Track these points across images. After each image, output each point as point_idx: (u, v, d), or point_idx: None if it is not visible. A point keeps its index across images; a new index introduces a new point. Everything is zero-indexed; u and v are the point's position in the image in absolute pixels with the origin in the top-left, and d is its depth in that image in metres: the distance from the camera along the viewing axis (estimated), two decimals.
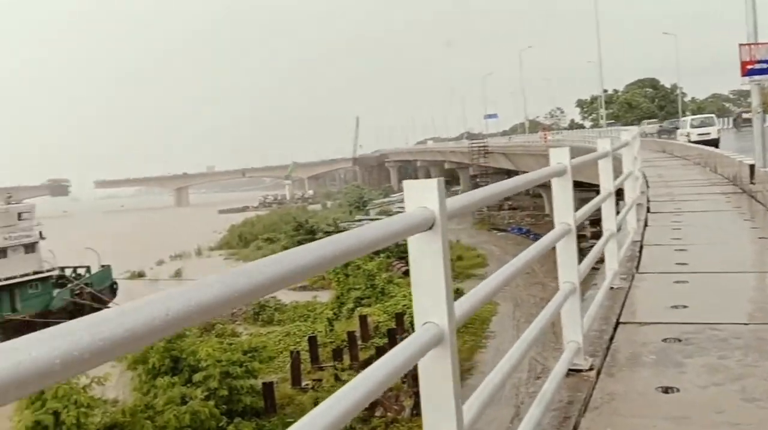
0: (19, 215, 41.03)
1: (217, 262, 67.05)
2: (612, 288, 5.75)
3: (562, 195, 3.89)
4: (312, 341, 28.48)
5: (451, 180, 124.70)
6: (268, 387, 22.48)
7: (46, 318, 39.32)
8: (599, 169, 5.87)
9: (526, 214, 68.91)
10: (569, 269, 3.84)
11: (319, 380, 24.31)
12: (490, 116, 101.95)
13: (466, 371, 26.92)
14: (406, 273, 45.01)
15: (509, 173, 79.94)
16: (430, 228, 1.98)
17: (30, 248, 40.65)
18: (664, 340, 4.50)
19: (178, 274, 57.97)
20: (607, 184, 5.84)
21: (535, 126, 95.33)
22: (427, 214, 1.97)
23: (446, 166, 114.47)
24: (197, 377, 20.90)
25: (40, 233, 41.40)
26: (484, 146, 73.64)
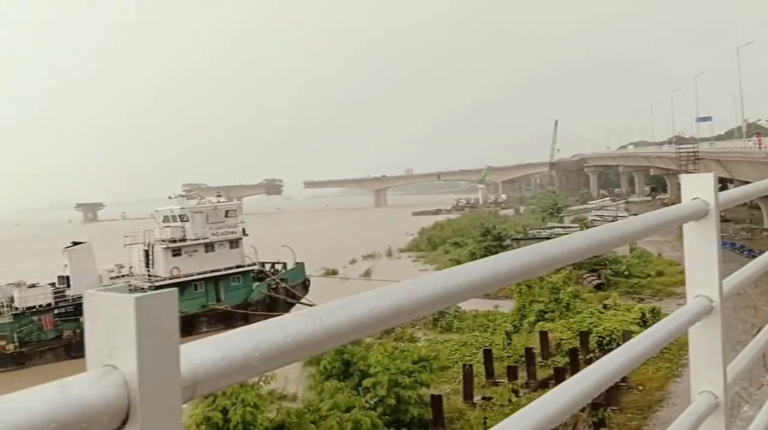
0: (226, 212, 44.46)
1: (405, 263, 68.17)
2: None
3: (698, 250, 2.82)
4: (487, 354, 27.46)
5: (657, 187, 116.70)
6: (437, 400, 21.93)
7: (245, 309, 42.33)
8: None
9: (742, 227, 62.21)
10: (707, 374, 2.68)
11: (489, 398, 23.24)
12: (702, 119, 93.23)
13: (656, 402, 24.46)
14: (598, 287, 42.55)
15: (722, 182, 72.70)
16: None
17: (234, 243, 43.91)
18: None
19: (367, 274, 59.59)
20: None
21: (755, 130, 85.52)
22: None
23: (652, 172, 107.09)
24: (366, 382, 20.91)
25: (243, 230, 44.52)
26: (693, 152, 67.47)
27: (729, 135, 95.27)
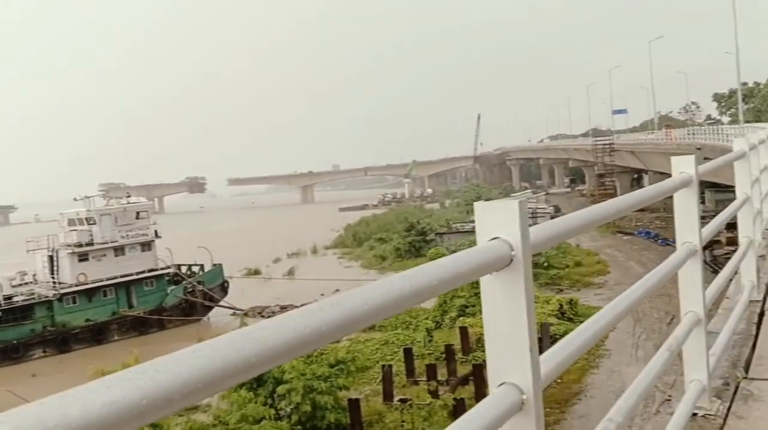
0: (137, 214, 42.47)
1: (330, 260, 67.36)
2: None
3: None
4: (407, 352, 27.03)
5: (576, 178, 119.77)
6: (354, 403, 21.26)
7: (159, 315, 40.57)
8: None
9: (656, 216, 64.14)
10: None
11: (406, 400, 22.69)
12: (618, 112, 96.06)
13: (574, 395, 24.52)
14: None
15: (637, 172, 74.92)
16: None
17: (146, 246, 41.99)
18: None
19: (291, 272, 58.47)
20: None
21: (667, 121, 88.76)
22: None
23: (570, 164, 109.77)
24: (280, 390, 20.05)
25: (156, 232, 42.65)
26: (609, 144, 69.25)
27: (644, 127, 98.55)
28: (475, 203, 1.76)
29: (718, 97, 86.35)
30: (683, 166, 3.53)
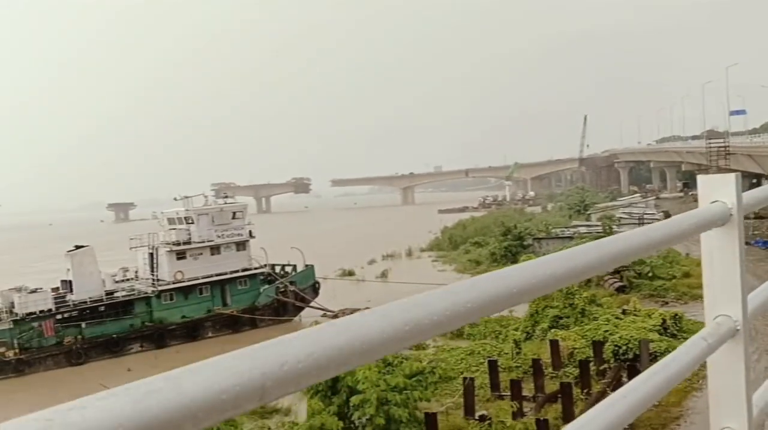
0: (234, 214, 43.32)
1: (424, 263, 66.61)
2: None
3: None
4: (492, 365, 25.79)
5: (690, 183, 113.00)
6: (431, 418, 20.37)
7: (252, 313, 41.20)
8: None
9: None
10: None
11: (484, 418, 21.52)
12: (736, 113, 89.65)
13: (673, 420, 22.57)
14: (619, 290, 40.45)
15: (756, 177, 69.44)
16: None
17: (241, 245, 42.74)
18: None
19: (384, 275, 58.23)
20: None
21: None
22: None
23: (683, 167, 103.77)
24: (354, 400, 19.47)
25: (250, 232, 43.32)
26: (723, 146, 64.61)
27: (764, 129, 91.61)
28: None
29: None
30: (717, 192, 2.29)
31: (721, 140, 69.42)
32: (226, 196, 44.67)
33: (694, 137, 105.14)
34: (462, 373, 27.52)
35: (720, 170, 61.92)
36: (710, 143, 68.39)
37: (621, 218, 65.81)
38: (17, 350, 33.90)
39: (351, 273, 60.63)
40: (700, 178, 2.15)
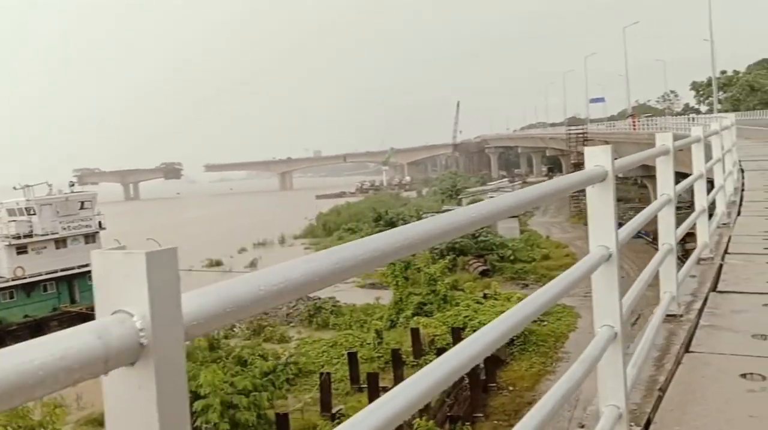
0: (82, 204, 40.09)
1: (297, 251, 65.25)
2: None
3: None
4: (352, 357, 25.15)
5: (554, 167, 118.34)
6: (282, 419, 19.38)
7: None
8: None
9: (630, 206, 62.81)
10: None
11: (336, 416, 20.78)
12: (595, 100, 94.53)
13: (527, 405, 22.78)
14: (483, 274, 41.08)
15: None
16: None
17: (90, 237, 39.65)
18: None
19: (252, 264, 56.38)
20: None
21: (646, 110, 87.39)
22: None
23: (548, 153, 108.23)
24: (197, 405, 18.09)
25: (100, 223, 40.29)
26: (582, 133, 67.64)
27: (621, 116, 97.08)
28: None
29: (696, 86, 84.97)
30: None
31: (580, 127, 72.64)
32: (73, 185, 41.17)
33: (556, 124, 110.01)
34: (323, 366, 26.74)
35: (579, 155, 64.79)
36: (569, 130, 71.36)
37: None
38: None
39: (219, 263, 58.41)
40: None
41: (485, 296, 32.28)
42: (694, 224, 6.21)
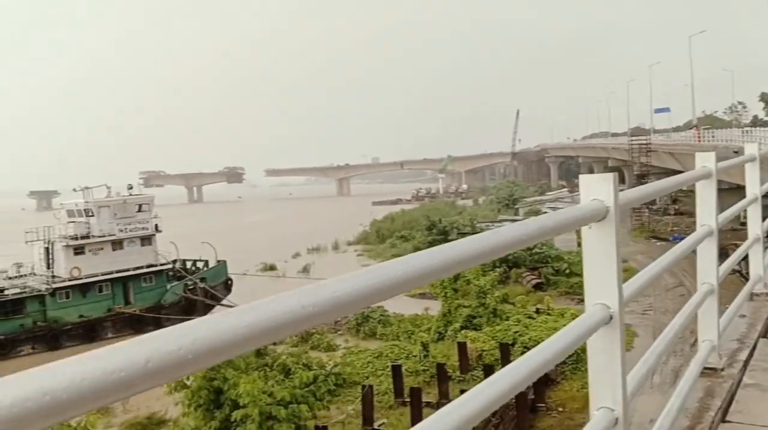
0: (139, 206, 40.80)
1: (349, 258, 65.22)
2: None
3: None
4: (396, 370, 24.57)
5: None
6: None
7: (157, 312, 38.88)
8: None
9: (694, 220, 60.37)
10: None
11: (376, 428, 20.28)
12: (660, 110, 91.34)
13: (576, 428, 21.81)
14: (537, 287, 39.94)
15: (677, 173, 70.53)
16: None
17: (146, 240, 40.29)
18: None
19: (305, 270, 56.52)
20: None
21: (713, 122, 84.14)
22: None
23: (610, 163, 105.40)
24: (236, 415, 17.86)
25: (156, 226, 40.89)
26: (645, 144, 65.41)
27: (688, 126, 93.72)
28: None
29: (765, 97, 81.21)
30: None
31: (643, 137, 70.30)
32: (131, 188, 41.96)
33: (619, 134, 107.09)
34: (367, 377, 26.27)
35: (642, 167, 62.72)
36: (632, 140, 69.14)
37: (547, 212, 66.07)
38: None
39: (273, 268, 58.71)
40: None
41: (537, 311, 31.24)
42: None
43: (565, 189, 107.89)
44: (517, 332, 27.42)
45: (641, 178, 71.93)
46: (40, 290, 36.21)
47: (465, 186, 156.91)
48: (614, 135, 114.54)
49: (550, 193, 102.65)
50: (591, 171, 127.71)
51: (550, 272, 40.92)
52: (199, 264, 43.37)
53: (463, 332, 28.88)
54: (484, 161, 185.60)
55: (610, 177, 2.22)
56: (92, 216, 38.88)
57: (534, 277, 40.62)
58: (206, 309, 41.08)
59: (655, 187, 3.71)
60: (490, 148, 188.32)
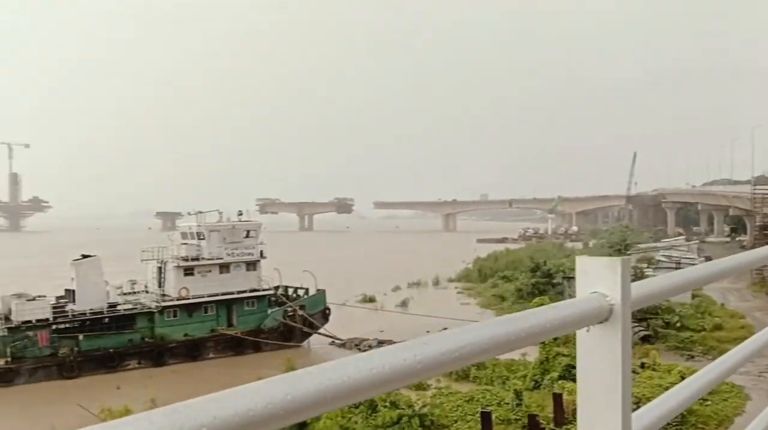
0: (247, 232, 42.22)
1: (449, 295, 64.52)
2: None
3: None
4: (485, 417, 23.74)
5: (738, 228, 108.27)
6: None
7: (257, 336, 39.86)
8: None
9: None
10: None
11: None
12: None
13: None
14: (644, 339, 37.79)
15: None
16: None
17: (251, 265, 41.52)
18: None
19: (404, 304, 56.36)
20: None
21: None
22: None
23: (731, 212, 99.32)
24: None
25: (261, 252, 42.09)
26: None
27: None
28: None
29: None
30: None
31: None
32: (240, 214, 43.54)
33: (741, 182, 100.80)
34: (456, 421, 25.57)
35: (765, 217, 58.58)
36: (756, 190, 64.78)
37: (660, 260, 62.67)
38: (9, 359, 33.14)
39: (372, 299, 58.96)
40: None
41: (642, 366, 29.47)
42: None
43: (682, 237, 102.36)
44: None
45: (764, 230, 67.09)
46: (150, 308, 38.01)
47: (575, 228, 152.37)
48: (736, 182, 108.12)
49: (665, 240, 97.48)
50: (711, 219, 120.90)
51: (660, 324, 38.61)
52: (300, 292, 44.17)
53: (560, 382, 27.60)
54: (596, 203, 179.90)
55: (617, 263, 1.67)
56: (203, 239, 40.58)
57: (641, 328, 38.45)
58: (303, 336, 41.74)
59: (675, 279, 2.46)
60: (603, 190, 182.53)
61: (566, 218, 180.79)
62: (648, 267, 56.99)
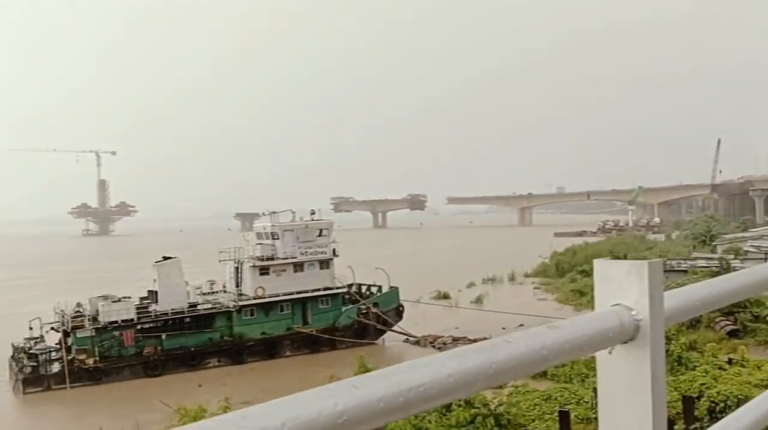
0: (320, 231, 42.67)
1: (525, 290, 63.37)
2: None
3: None
4: (563, 416, 23.11)
5: None
6: None
7: (331, 334, 40.26)
8: None
9: None
10: None
11: None
12: None
13: None
14: (732, 334, 36.05)
15: None
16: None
17: (324, 263, 41.93)
18: None
19: (478, 300, 55.72)
20: None
21: None
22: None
23: None
24: None
25: (334, 250, 42.44)
26: None
27: None
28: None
29: None
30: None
31: None
32: (313, 213, 44.03)
33: None
34: (533, 420, 25.03)
35: None
36: None
37: (748, 251, 59.68)
38: (97, 358, 34.62)
39: (446, 296, 58.56)
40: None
41: (729, 361, 28.08)
42: None
43: None
44: (704, 384, 24.69)
45: None
46: (228, 307, 38.93)
47: (657, 219, 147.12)
48: None
49: (753, 229, 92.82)
50: None
51: (748, 318, 36.74)
52: (373, 289, 44.31)
53: None
54: (679, 193, 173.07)
55: (643, 268, 1.35)
56: (277, 239, 41.26)
57: (729, 322, 36.72)
58: (377, 334, 41.86)
59: (740, 280, 2.07)
60: (686, 179, 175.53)
61: (647, 209, 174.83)
62: (735, 258, 54.37)
